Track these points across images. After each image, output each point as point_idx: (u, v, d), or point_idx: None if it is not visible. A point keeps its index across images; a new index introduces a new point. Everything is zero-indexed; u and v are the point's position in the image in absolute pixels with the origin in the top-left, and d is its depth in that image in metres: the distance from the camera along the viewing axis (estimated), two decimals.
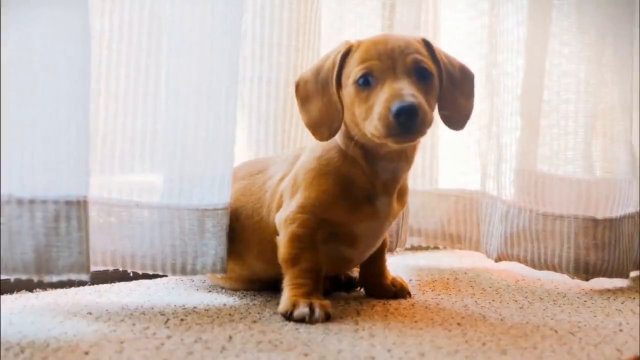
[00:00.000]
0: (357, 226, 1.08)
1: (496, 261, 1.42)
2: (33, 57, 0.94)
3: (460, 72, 1.10)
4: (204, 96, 1.10)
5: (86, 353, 0.83)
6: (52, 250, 0.95)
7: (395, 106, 0.95)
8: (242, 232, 1.14)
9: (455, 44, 1.56)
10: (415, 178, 1.53)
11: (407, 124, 0.95)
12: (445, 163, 1.59)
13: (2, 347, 0.85)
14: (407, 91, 0.97)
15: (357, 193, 1.07)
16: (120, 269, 1.12)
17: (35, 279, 0.95)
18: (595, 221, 1.34)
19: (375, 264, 1.19)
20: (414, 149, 1.09)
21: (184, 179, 1.11)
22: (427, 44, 1.06)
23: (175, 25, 1.10)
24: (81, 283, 1.20)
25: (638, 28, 1.42)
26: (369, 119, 0.99)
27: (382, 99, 0.97)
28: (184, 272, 1.11)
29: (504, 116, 1.42)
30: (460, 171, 1.59)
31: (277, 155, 1.26)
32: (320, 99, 1.06)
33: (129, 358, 0.82)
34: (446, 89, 1.06)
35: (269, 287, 1.18)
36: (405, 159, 1.08)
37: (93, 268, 1.17)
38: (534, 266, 1.38)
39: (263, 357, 0.84)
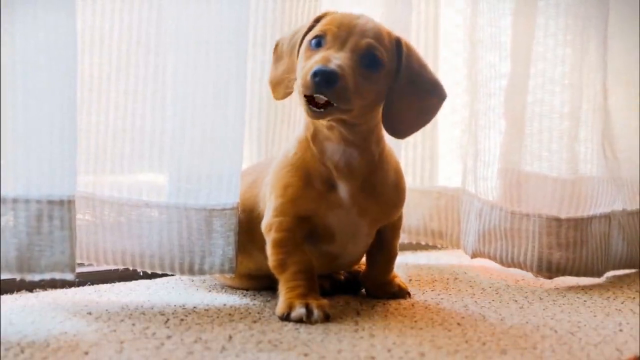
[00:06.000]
0: (327, 217, 1.07)
1: (472, 258, 1.43)
2: (16, 56, 0.93)
3: (430, 87, 1.07)
4: (212, 95, 1.10)
5: (86, 353, 0.83)
6: (34, 249, 0.95)
7: (316, 67, 0.95)
8: (248, 224, 1.14)
9: (455, 44, 1.56)
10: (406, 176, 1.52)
11: (321, 87, 0.95)
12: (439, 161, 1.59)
13: (2, 347, 0.85)
14: (336, 61, 0.96)
15: (316, 180, 1.06)
16: (130, 268, 1.12)
17: (18, 277, 0.95)
18: (559, 220, 1.34)
19: (378, 267, 1.18)
20: (359, 133, 1.05)
21: (192, 179, 1.11)
22: (398, 43, 1.05)
23: (182, 24, 1.10)
24: (81, 283, 1.20)
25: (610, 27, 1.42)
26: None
27: (313, 60, 0.98)
28: (191, 272, 1.12)
29: (482, 115, 1.42)
30: (454, 170, 1.59)
31: None
32: (287, 59, 1.08)
33: (129, 358, 0.82)
34: (399, 94, 1.03)
35: (271, 286, 1.17)
36: (351, 144, 1.05)
37: (104, 267, 1.18)
38: (502, 264, 1.39)
39: (263, 357, 0.84)
